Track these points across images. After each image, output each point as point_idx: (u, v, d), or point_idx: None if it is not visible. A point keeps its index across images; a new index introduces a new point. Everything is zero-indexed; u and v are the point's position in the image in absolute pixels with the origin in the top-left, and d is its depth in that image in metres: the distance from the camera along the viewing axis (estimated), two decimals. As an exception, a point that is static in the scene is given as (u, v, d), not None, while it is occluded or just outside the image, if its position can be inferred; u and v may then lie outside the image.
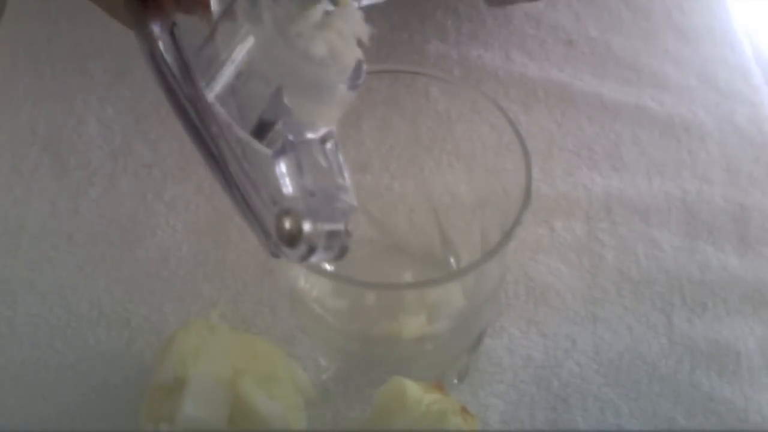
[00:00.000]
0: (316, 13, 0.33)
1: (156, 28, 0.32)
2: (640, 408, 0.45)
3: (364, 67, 0.34)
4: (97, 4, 0.39)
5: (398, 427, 0.39)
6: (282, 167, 0.33)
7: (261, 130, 0.33)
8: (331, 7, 0.34)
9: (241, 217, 0.33)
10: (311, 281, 0.41)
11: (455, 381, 0.45)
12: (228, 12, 0.33)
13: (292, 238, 0.31)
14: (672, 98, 0.58)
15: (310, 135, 0.34)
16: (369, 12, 0.35)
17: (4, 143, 0.55)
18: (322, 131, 0.34)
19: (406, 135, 0.47)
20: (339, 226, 0.33)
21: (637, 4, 0.64)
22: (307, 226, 0.31)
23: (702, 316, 0.48)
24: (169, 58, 0.33)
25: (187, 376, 0.39)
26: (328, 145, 0.35)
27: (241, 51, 0.33)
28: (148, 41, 0.32)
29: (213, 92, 0.33)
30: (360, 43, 0.35)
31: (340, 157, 0.35)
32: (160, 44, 0.32)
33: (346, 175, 0.35)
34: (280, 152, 0.33)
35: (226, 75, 0.33)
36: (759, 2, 0.68)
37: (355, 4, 0.34)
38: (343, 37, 0.34)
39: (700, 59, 0.61)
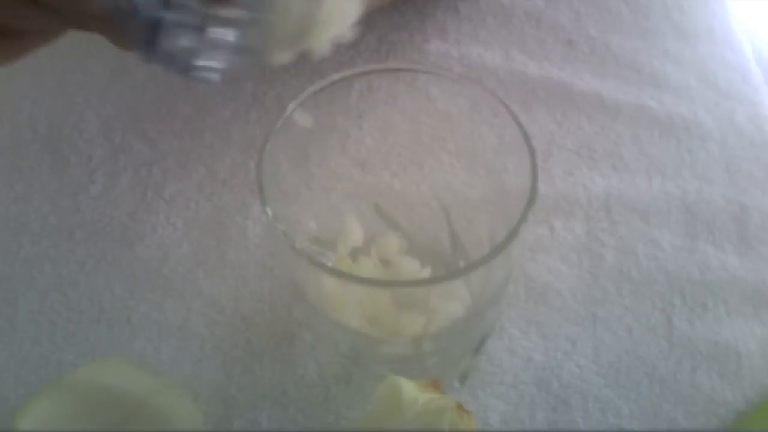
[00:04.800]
0: None
1: None
2: (641, 409, 0.45)
3: None
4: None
5: (395, 426, 0.39)
6: None
7: None
8: None
9: None
10: (314, 277, 0.41)
11: (457, 384, 0.45)
12: None
13: None
14: (672, 98, 0.58)
15: None
16: (369, 11, 0.35)
17: (5, 141, 0.55)
18: None
19: (407, 133, 0.47)
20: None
21: (637, 4, 0.64)
22: None
23: (702, 317, 0.48)
24: None
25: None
26: None
27: None
28: None
29: None
30: None
31: None
32: None
33: None
34: None
35: None
36: (759, 2, 0.68)
37: None
38: None
39: (700, 59, 0.61)
